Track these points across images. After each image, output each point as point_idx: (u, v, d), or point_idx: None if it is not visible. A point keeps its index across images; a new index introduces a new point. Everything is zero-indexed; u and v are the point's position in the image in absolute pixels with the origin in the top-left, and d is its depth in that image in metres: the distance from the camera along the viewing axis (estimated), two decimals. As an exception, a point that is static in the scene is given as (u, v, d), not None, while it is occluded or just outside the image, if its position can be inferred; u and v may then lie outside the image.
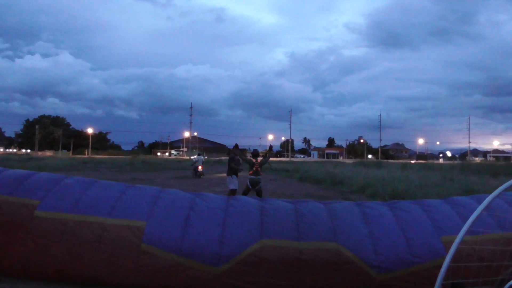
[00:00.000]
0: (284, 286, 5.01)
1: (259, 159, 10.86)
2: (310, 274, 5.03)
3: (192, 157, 28.79)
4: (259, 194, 10.62)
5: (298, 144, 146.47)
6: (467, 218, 5.54)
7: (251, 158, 10.82)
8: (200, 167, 23.95)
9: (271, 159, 12.96)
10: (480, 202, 6.00)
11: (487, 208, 3.10)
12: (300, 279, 5.03)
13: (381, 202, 6.38)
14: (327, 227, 5.35)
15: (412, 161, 73.28)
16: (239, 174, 11.77)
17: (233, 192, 11.64)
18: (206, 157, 17.91)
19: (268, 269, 4.99)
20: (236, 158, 11.70)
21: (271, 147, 12.91)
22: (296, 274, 5.02)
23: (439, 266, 4.98)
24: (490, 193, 3.29)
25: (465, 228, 3.04)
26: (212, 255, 4.97)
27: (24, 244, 5.10)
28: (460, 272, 3.49)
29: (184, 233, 5.12)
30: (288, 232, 5.24)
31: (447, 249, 4.95)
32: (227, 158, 22.24)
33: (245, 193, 10.66)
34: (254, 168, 10.54)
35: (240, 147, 12.09)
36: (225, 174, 12.81)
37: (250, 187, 10.58)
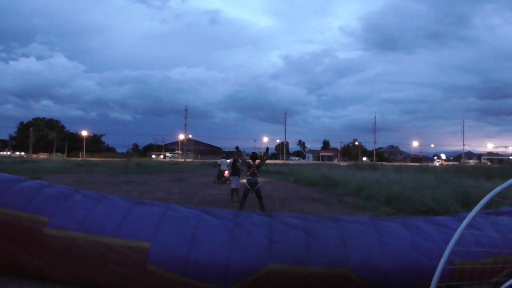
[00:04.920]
0: None
1: (257, 161, 11.07)
2: None
3: (217, 160, 26.95)
4: (258, 194, 10.90)
5: (293, 146, 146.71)
6: (481, 242, 5.58)
7: (249, 160, 11.04)
8: (226, 172, 21.14)
9: (267, 161, 13.23)
10: (493, 224, 6.04)
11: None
12: None
13: (396, 220, 6.29)
14: (338, 250, 5.28)
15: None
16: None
17: (234, 190, 13.90)
18: (229, 160, 17.34)
19: None
20: (239, 160, 12.47)
21: (267, 149, 13.09)
22: None
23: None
24: (485, 195, 3.30)
25: (457, 234, 3.05)
26: (218, 277, 5.00)
27: (36, 259, 5.24)
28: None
29: (190, 254, 5.12)
30: (297, 256, 5.17)
31: (456, 274, 4.97)
32: (222, 159, 22.27)
33: (245, 194, 10.91)
34: (251, 170, 10.81)
35: (234, 150, 12.54)
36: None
37: (249, 187, 10.80)
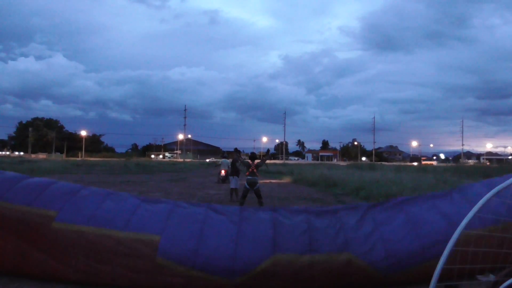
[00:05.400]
0: None
1: (256, 161, 11.04)
2: (322, 284, 5.17)
3: (218, 160, 26.97)
4: (257, 194, 10.86)
5: (292, 146, 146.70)
6: (481, 212, 5.61)
7: (249, 160, 11.03)
8: (223, 171, 20.91)
9: (268, 161, 13.27)
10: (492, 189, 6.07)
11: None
12: None
13: (391, 201, 6.45)
14: (339, 237, 5.43)
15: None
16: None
17: (233, 190, 14.15)
18: (230, 160, 17.38)
19: (281, 281, 5.13)
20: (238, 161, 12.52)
21: (268, 151, 13.25)
22: (308, 284, 5.16)
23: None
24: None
25: (455, 235, 3.05)
26: (226, 269, 5.08)
27: (43, 253, 5.24)
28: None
29: (198, 247, 5.21)
30: (300, 245, 5.30)
31: (459, 243, 5.08)
32: (220, 160, 22.30)
33: (244, 194, 10.87)
34: (250, 170, 10.77)
35: (232, 150, 12.67)
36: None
37: (248, 187, 10.76)
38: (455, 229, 5.31)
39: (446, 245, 5.25)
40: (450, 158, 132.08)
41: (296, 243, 5.33)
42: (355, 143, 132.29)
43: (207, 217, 5.72)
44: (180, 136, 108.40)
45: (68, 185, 6.29)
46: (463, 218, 5.44)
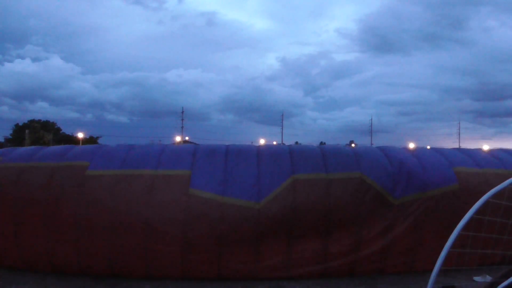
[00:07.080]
0: (316, 211, 5.61)
1: None
2: (337, 200, 5.64)
3: None
4: None
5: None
6: (476, 158, 6.34)
7: None
8: None
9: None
10: (488, 152, 6.85)
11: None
12: (329, 204, 5.65)
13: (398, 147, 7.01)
14: (351, 160, 5.97)
15: None
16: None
17: None
18: None
19: (301, 198, 5.58)
20: None
21: None
22: (325, 200, 5.63)
23: (451, 192, 5.76)
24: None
25: (453, 236, 3.06)
26: (252, 193, 5.50)
27: (77, 201, 5.50)
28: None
29: (226, 177, 5.64)
30: (316, 166, 5.80)
31: (458, 178, 5.81)
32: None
33: None
34: None
35: None
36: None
37: None
38: (453, 164, 6.09)
39: (447, 176, 5.88)
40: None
41: (313, 165, 5.84)
42: (353, 145, 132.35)
43: (229, 150, 6.18)
44: (178, 138, 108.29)
45: (88, 146, 6.74)
46: (459, 158, 6.31)
